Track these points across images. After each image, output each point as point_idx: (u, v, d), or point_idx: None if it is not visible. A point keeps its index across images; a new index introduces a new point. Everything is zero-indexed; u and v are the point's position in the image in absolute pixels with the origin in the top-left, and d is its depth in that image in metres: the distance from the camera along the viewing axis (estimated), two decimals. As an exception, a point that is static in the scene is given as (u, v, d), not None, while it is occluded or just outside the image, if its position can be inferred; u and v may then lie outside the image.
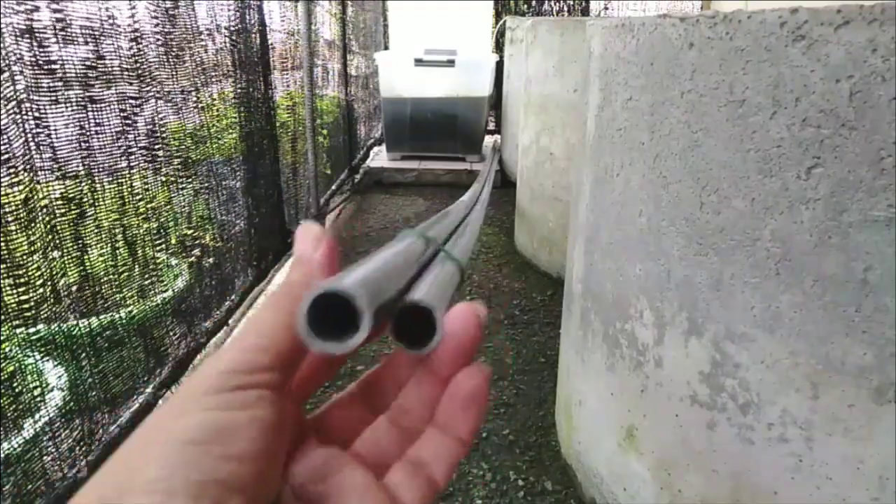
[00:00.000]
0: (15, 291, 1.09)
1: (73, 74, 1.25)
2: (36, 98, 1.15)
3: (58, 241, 1.21)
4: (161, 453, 0.21)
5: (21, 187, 1.08)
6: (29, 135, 1.11)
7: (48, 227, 1.17)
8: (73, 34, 1.25)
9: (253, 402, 0.23)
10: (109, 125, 1.38)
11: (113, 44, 1.38)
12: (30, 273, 1.11)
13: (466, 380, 0.28)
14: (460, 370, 0.28)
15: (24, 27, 1.11)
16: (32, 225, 1.12)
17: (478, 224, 0.65)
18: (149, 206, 1.58)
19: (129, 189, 1.48)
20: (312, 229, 0.30)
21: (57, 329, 1.20)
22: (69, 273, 1.25)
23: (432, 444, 0.28)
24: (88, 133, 1.31)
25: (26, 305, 1.11)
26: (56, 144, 1.21)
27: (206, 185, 1.95)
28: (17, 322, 1.11)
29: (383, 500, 0.26)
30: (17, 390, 1.11)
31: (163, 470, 0.21)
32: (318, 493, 0.26)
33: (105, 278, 1.38)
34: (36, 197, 1.13)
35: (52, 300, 1.17)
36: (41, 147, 1.16)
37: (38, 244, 1.14)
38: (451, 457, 0.28)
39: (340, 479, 0.27)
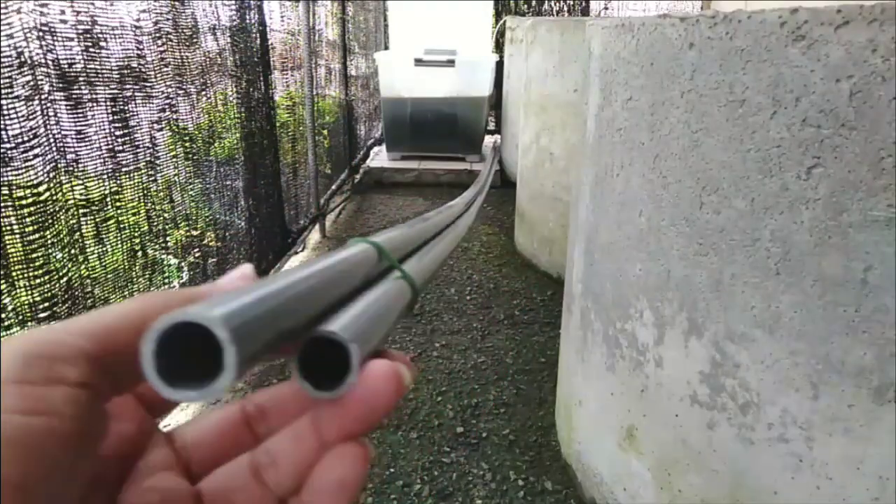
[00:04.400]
0: (29, 291, 1.09)
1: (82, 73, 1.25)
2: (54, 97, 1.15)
3: (60, 242, 1.21)
4: None
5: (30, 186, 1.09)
6: (44, 131, 1.11)
7: (52, 226, 1.18)
8: (77, 33, 1.25)
9: (57, 404, 0.18)
10: (108, 124, 1.38)
11: (115, 43, 1.39)
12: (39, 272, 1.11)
13: (339, 463, 0.22)
14: (344, 443, 0.23)
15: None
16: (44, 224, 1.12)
17: (455, 238, 0.59)
18: (151, 205, 1.58)
19: (130, 188, 1.48)
20: (246, 271, 0.26)
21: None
22: (72, 273, 1.25)
23: None
24: (86, 131, 1.31)
25: (43, 305, 1.11)
26: (64, 143, 1.21)
27: (208, 184, 1.96)
28: (31, 322, 1.11)
29: None
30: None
31: None
32: None
33: (108, 279, 1.38)
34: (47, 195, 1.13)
35: (64, 298, 1.17)
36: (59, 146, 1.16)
37: (51, 243, 1.14)
38: None
39: None
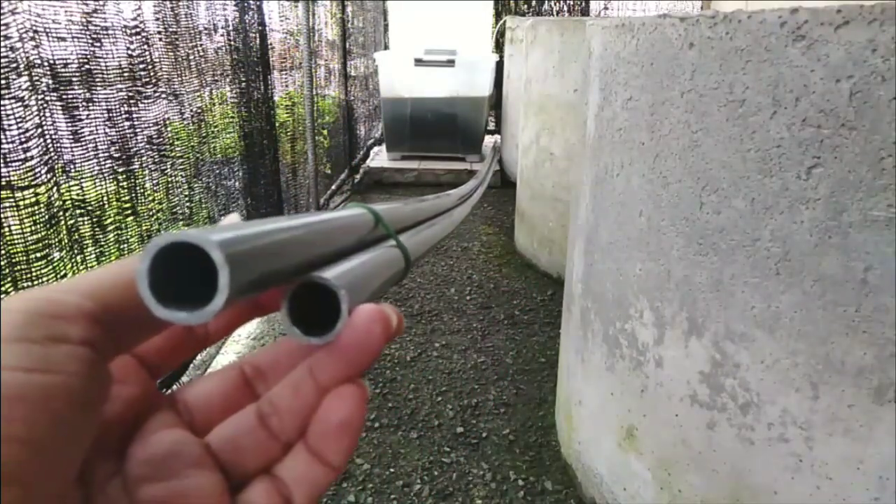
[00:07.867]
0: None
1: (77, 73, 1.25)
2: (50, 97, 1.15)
3: (60, 242, 1.21)
4: None
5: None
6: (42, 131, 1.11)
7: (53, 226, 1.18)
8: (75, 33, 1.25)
9: (60, 361, 0.18)
10: (107, 123, 1.37)
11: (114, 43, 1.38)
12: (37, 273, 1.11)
13: (339, 404, 0.23)
14: (340, 385, 0.24)
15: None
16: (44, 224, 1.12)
17: (451, 224, 0.59)
18: (149, 206, 1.58)
19: (128, 188, 1.47)
20: (233, 219, 0.26)
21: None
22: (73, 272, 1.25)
23: (299, 466, 0.24)
24: (85, 132, 1.31)
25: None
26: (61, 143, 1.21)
27: (206, 184, 1.95)
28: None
29: None
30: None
31: None
32: (154, 498, 0.22)
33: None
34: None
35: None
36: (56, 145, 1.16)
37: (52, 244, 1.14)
38: (318, 485, 0.24)
39: (185, 487, 0.22)
